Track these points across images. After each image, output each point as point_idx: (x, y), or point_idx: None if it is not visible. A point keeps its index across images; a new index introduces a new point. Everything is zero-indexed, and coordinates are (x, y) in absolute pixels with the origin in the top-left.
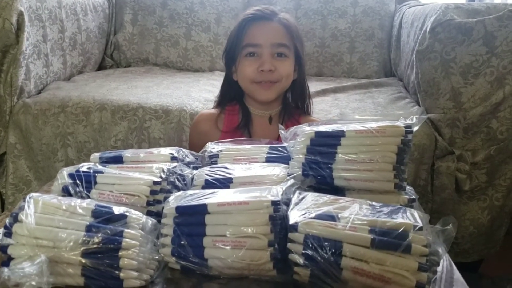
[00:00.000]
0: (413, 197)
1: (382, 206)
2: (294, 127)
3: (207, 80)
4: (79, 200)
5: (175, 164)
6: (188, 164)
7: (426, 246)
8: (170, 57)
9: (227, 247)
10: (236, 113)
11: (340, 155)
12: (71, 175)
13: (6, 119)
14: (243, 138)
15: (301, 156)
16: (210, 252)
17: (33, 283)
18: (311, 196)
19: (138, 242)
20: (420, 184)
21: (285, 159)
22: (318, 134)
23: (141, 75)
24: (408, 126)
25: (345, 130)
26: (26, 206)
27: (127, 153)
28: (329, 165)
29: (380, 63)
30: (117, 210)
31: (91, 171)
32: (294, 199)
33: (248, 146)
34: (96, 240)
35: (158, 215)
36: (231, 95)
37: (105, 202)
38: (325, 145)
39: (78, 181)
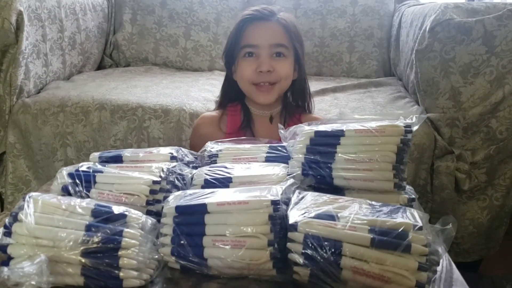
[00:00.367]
0: (413, 196)
1: (382, 205)
2: (294, 126)
3: (206, 80)
4: (78, 200)
5: (174, 163)
6: (187, 164)
7: (425, 246)
8: (170, 57)
9: (227, 247)
10: (238, 113)
11: (339, 154)
12: (70, 175)
13: (5, 118)
14: (244, 137)
15: (300, 155)
16: (210, 252)
17: (33, 282)
18: (310, 196)
19: (138, 242)
20: (419, 183)
21: (284, 159)
22: (318, 133)
23: (141, 75)
24: (408, 126)
25: (344, 129)
26: (25, 206)
27: (127, 153)
28: (329, 165)
29: (379, 62)
30: (117, 209)
31: (91, 170)
32: (294, 198)
33: (247, 146)
34: (96, 239)
35: (157, 215)
36: (232, 95)
37: (105, 201)
38: (324, 144)
39: (77, 181)
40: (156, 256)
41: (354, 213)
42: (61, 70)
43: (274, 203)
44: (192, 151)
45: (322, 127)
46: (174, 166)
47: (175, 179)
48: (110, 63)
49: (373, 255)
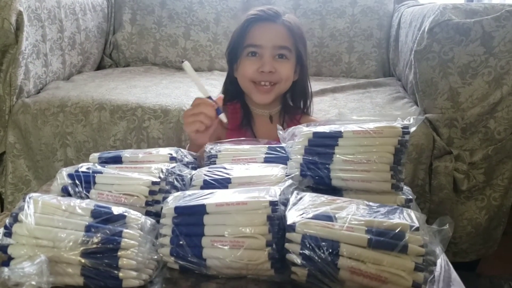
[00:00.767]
0: (410, 197)
1: (379, 206)
2: (292, 127)
3: (206, 80)
4: (78, 200)
5: (174, 164)
6: (186, 165)
7: (422, 246)
8: (169, 57)
9: (226, 247)
10: (238, 111)
11: (337, 155)
12: (70, 175)
13: (5, 118)
14: (243, 138)
15: (299, 156)
16: (209, 252)
17: (33, 282)
18: (308, 197)
19: (137, 242)
20: (418, 184)
21: (283, 159)
22: (316, 134)
23: (140, 75)
24: (405, 127)
25: (342, 130)
26: (26, 206)
27: (126, 153)
28: (327, 166)
29: (378, 63)
30: (116, 210)
31: (90, 171)
32: (292, 199)
33: (246, 147)
34: (95, 240)
35: (157, 215)
36: (233, 93)
37: (104, 202)
38: (322, 145)
39: (77, 181)
40: (155, 257)
41: (352, 214)
42: (61, 70)
43: (273, 203)
44: (191, 152)
45: (320, 128)
46: (174, 167)
47: (174, 180)
48: (109, 63)
49: (370, 256)
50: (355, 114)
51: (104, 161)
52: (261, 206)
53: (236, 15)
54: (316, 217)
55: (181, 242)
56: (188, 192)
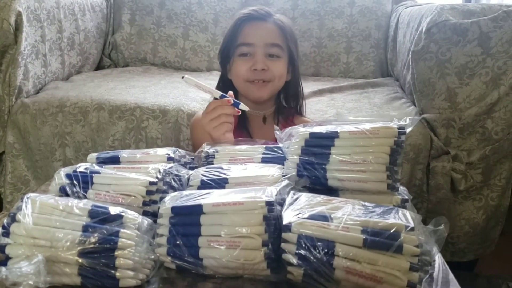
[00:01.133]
0: (406, 197)
1: (375, 206)
2: (289, 128)
3: (204, 80)
4: (76, 201)
5: (171, 164)
6: (184, 165)
7: (417, 246)
8: (168, 57)
9: (222, 247)
10: None
11: (334, 156)
12: (68, 176)
13: (4, 118)
14: (240, 138)
15: (295, 157)
16: (205, 252)
17: (31, 282)
18: (305, 197)
19: (134, 242)
20: (415, 184)
21: (280, 160)
22: (313, 135)
23: (139, 75)
24: (401, 127)
25: (339, 131)
26: (23, 206)
27: (124, 154)
28: (323, 166)
29: (376, 63)
30: (113, 210)
31: (88, 171)
32: (288, 199)
33: (244, 147)
34: (93, 240)
35: (154, 215)
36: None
37: (102, 202)
38: (319, 146)
39: (75, 182)
40: (152, 256)
41: (347, 214)
42: (60, 70)
43: (269, 204)
44: (189, 152)
45: (316, 129)
46: (171, 167)
47: (172, 180)
48: (108, 63)
49: (366, 256)
50: (353, 114)
51: (102, 161)
52: (257, 206)
53: (235, 16)
54: (312, 217)
55: (178, 242)
56: (185, 192)
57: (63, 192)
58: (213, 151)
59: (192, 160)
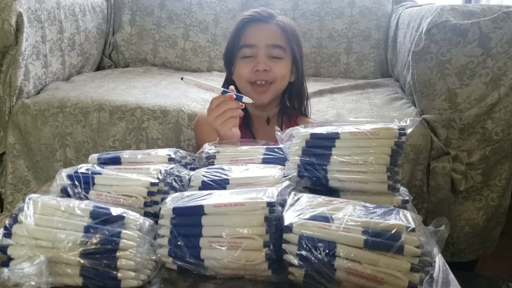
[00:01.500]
0: (407, 198)
1: (376, 207)
2: (290, 129)
3: (205, 81)
4: (77, 201)
5: (172, 165)
6: (185, 165)
7: (418, 247)
8: (168, 58)
9: (223, 248)
10: None
11: (334, 156)
12: (69, 176)
13: (5, 119)
14: (242, 139)
15: (296, 157)
16: (207, 253)
17: (33, 283)
18: (306, 197)
19: (136, 243)
20: (416, 184)
21: (281, 160)
22: (313, 136)
23: (139, 76)
24: (402, 128)
25: (339, 132)
26: (25, 207)
27: (125, 154)
28: (324, 167)
29: (376, 63)
30: (115, 211)
31: (89, 172)
32: (289, 200)
33: (244, 147)
34: (94, 241)
35: (155, 216)
36: None
37: (103, 203)
38: (320, 147)
39: (76, 182)
40: (154, 257)
41: (348, 215)
42: (60, 71)
43: (270, 204)
44: (190, 153)
45: (317, 130)
46: (172, 168)
47: (173, 181)
48: (109, 64)
49: (367, 256)
50: (353, 115)
51: (103, 162)
52: (258, 207)
53: (235, 16)
54: (313, 218)
55: (179, 243)
56: (186, 193)
57: (64, 193)
58: (214, 152)
59: (193, 161)
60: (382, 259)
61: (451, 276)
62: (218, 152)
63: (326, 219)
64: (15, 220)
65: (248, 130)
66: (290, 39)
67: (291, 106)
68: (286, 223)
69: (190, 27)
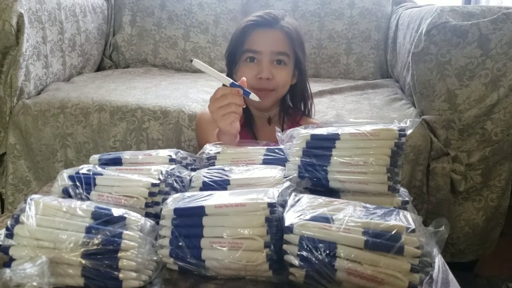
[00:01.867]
0: (407, 199)
1: (376, 208)
2: (290, 129)
3: (205, 81)
4: (79, 202)
5: (173, 166)
6: (186, 166)
7: (418, 248)
8: (169, 58)
9: (224, 248)
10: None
11: (335, 157)
12: (71, 177)
13: (6, 120)
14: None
15: (297, 158)
16: (208, 253)
17: (34, 283)
18: (306, 198)
19: (137, 244)
20: (415, 185)
21: (281, 161)
22: (314, 137)
23: (140, 76)
24: (402, 129)
25: (340, 133)
26: (27, 208)
27: (126, 155)
28: (324, 168)
29: (376, 64)
30: (116, 212)
31: (91, 173)
32: (290, 201)
33: (245, 148)
34: (96, 241)
35: (156, 217)
36: None
37: (105, 203)
38: (320, 147)
39: (78, 183)
40: (155, 258)
41: (349, 216)
42: (61, 71)
43: (271, 205)
44: (191, 153)
45: (318, 131)
46: (173, 169)
47: (174, 182)
48: (109, 65)
49: (367, 257)
50: (353, 116)
51: (104, 163)
52: (259, 208)
53: (236, 17)
54: (313, 219)
55: (180, 244)
56: (187, 194)
57: (66, 194)
58: (215, 153)
59: (194, 162)
60: (382, 260)
61: (451, 276)
62: (219, 153)
63: (326, 219)
64: (17, 220)
65: (250, 130)
66: (295, 44)
67: (295, 107)
68: (286, 223)
69: (190, 28)
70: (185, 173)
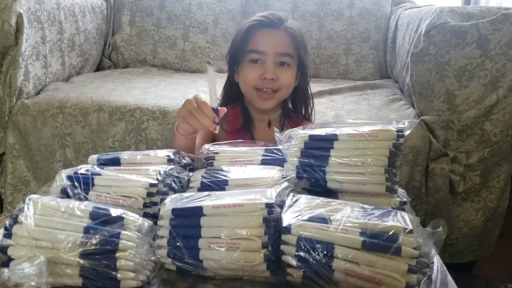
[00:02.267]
0: (405, 199)
1: (374, 209)
2: (289, 130)
3: (204, 82)
4: (77, 202)
5: (171, 166)
6: (184, 166)
7: (416, 249)
8: (168, 58)
9: (222, 249)
10: (238, 115)
11: (333, 158)
12: (69, 177)
13: (5, 119)
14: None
15: (295, 159)
16: (205, 254)
17: (33, 283)
18: (304, 199)
19: (135, 244)
20: (414, 185)
21: (280, 162)
22: (312, 137)
23: (139, 76)
24: (400, 130)
25: (338, 133)
26: (25, 208)
27: (124, 155)
28: (322, 168)
29: (375, 65)
30: (114, 212)
31: (89, 173)
32: (288, 201)
33: (244, 149)
34: (94, 241)
35: (154, 217)
36: (233, 96)
37: (103, 204)
38: (318, 148)
39: (76, 183)
40: (153, 258)
41: (346, 216)
42: (60, 71)
43: (269, 206)
44: (189, 154)
45: (316, 131)
46: (171, 169)
47: (172, 182)
48: (108, 65)
49: (364, 258)
50: (352, 116)
51: (103, 163)
52: (257, 208)
53: (235, 17)
54: (311, 219)
55: (178, 244)
56: (185, 194)
57: (64, 194)
58: (213, 153)
59: (192, 162)
60: (380, 261)
61: (449, 277)
62: (217, 153)
63: (324, 220)
64: (15, 220)
65: (249, 132)
66: (299, 46)
67: (295, 110)
68: (284, 224)
69: (189, 28)
70: (184, 174)
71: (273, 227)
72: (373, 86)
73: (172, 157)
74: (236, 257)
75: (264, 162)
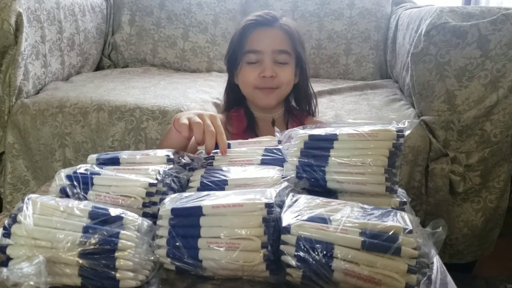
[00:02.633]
0: (404, 200)
1: (373, 209)
2: (289, 130)
3: (204, 81)
4: (76, 202)
5: (171, 166)
6: (184, 166)
7: (415, 249)
8: (168, 58)
9: (221, 249)
10: (242, 117)
11: (333, 158)
12: (68, 177)
13: (4, 119)
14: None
15: (295, 158)
16: (205, 254)
17: (31, 283)
18: (304, 199)
19: (134, 244)
20: (414, 186)
21: (279, 161)
22: (312, 137)
23: (139, 76)
24: (400, 130)
25: (338, 133)
26: (24, 207)
27: (124, 155)
28: (322, 168)
29: (376, 65)
30: (114, 211)
31: (88, 172)
32: (288, 201)
33: (243, 149)
34: (93, 241)
35: (153, 217)
36: (235, 100)
37: (102, 203)
38: (318, 148)
39: (75, 183)
40: (152, 258)
41: (346, 216)
42: (60, 71)
43: (268, 206)
44: (189, 154)
45: (316, 131)
46: (171, 169)
47: (172, 182)
48: (108, 64)
49: (364, 258)
50: (352, 116)
51: (102, 163)
52: (256, 208)
53: (235, 17)
54: (311, 219)
55: (177, 244)
56: (185, 194)
57: (63, 193)
58: (213, 153)
59: (191, 162)
60: (380, 261)
61: (449, 277)
62: (216, 153)
63: (324, 220)
64: (14, 220)
65: (254, 133)
66: (295, 42)
67: (299, 107)
68: (284, 224)
69: (189, 28)
70: (183, 173)
71: (273, 227)
72: (373, 86)
73: (171, 156)
74: (236, 257)
75: (263, 162)
